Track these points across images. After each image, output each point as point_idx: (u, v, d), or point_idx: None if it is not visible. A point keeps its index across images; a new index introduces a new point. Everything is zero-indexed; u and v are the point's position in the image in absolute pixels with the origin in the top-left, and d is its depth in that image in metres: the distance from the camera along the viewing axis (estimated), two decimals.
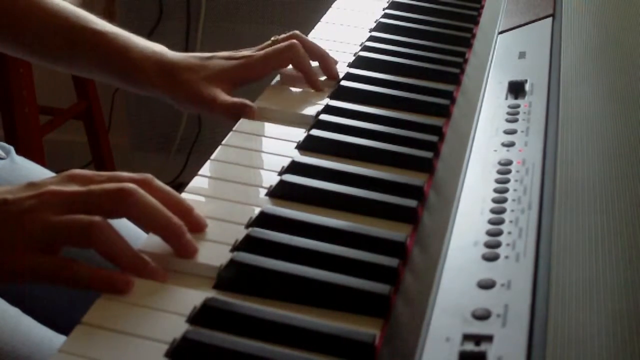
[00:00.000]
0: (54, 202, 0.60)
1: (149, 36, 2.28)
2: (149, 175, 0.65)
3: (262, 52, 0.91)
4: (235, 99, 0.88)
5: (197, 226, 0.66)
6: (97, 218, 0.59)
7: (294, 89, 0.93)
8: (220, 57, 0.91)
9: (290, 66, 0.93)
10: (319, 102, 0.89)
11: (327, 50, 0.99)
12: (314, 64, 0.94)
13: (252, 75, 0.91)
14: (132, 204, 0.61)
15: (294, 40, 0.91)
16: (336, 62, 0.96)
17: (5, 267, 0.60)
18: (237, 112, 0.86)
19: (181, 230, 0.63)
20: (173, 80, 0.90)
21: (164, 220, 0.62)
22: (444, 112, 0.87)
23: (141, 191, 0.62)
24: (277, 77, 0.95)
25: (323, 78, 0.94)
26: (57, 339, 0.76)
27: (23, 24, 0.93)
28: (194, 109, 0.92)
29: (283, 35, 0.94)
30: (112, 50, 0.91)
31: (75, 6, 0.94)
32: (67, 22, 0.92)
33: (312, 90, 0.92)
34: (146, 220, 0.62)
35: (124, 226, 0.66)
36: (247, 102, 0.87)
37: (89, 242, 0.59)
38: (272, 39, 0.94)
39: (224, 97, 0.88)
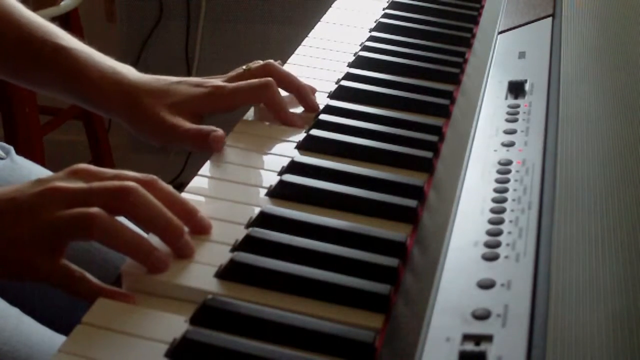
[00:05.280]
0: (56, 198, 0.61)
1: (149, 36, 2.29)
2: (153, 177, 0.65)
3: (232, 85, 0.84)
4: (202, 127, 0.81)
5: (201, 228, 0.66)
6: (94, 209, 0.59)
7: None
8: (189, 84, 0.84)
9: None
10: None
11: (328, 51, 0.99)
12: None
13: (218, 108, 0.84)
14: (132, 202, 0.61)
15: (269, 79, 0.83)
16: (314, 92, 0.88)
17: (12, 265, 0.61)
18: (203, 141, 0.79)
19: (180, 231, 0.63)
20: (132, 103, 0.83)
21: (163, 221, 0.62)
22: (444, 112, 0.87)
23: (142, 190, 0.62)
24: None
25: (300, 110, 0.87)
26: (57, 339, 0.76)
27: None
28: (153, 139, 0.84)
29: (256, 65, 0.86)
30: (70, 68, 0.85)
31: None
32: (29, 36, 0.87)
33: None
34: (145, 219, 0.62)
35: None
36: (215, 129, 0.79)
37: (88, 234, 0.60)
38: (244, 67, 0.87)
39: (187, 124, 0.81)
